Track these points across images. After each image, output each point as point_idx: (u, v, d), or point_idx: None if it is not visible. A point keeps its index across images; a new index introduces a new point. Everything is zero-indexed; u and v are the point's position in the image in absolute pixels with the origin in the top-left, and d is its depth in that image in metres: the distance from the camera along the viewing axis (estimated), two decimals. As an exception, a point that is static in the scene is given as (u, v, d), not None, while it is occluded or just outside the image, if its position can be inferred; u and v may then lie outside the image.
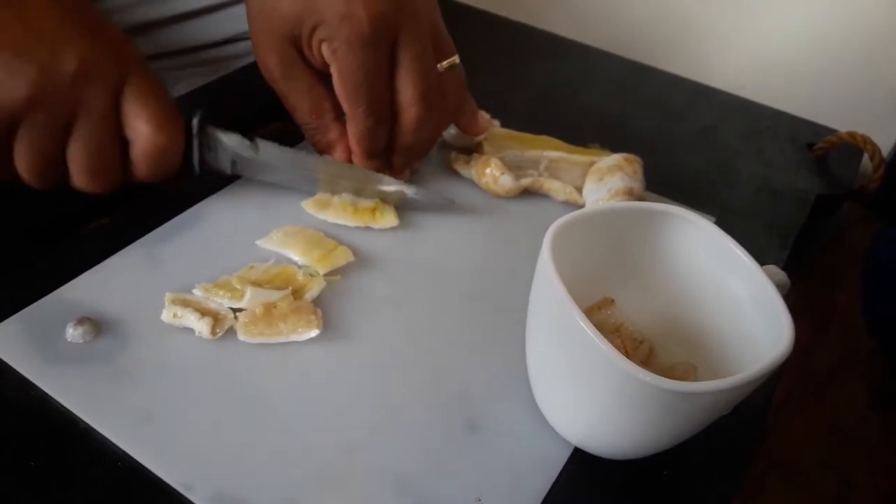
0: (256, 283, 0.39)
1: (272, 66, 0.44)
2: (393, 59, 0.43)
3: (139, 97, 0.38)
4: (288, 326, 0.38)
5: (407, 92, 0.44)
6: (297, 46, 0.44)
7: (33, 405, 0.34)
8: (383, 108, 0.44)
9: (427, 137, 0.47)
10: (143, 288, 0.39)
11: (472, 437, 0.35)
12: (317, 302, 0.40)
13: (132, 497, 0.31)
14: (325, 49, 0.42)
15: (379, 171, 0.47)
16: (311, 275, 0.41)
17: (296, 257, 0.42)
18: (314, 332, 0.38)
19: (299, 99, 0.45)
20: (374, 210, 0.45)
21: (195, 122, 0.42)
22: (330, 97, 0.45)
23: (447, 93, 0.46)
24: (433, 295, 0.42)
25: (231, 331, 0.38)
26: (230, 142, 0.44)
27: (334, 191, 0.46)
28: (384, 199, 0.46)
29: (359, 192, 0.46)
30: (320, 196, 0.46)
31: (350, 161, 0.47)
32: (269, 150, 0.45)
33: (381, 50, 0.42)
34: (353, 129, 0.45)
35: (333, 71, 0.43)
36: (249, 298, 0.38)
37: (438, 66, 0.45)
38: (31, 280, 0.39)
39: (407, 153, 0.47)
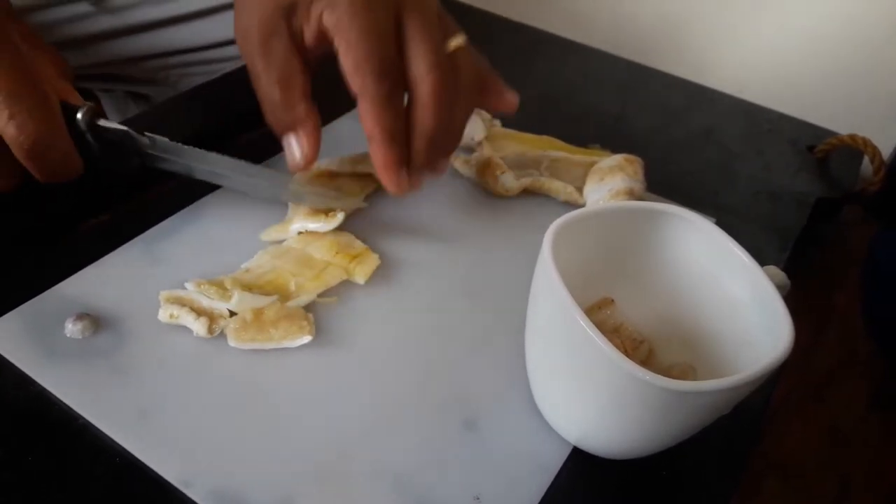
0: (248, 287, 0.39)
1: (253, 33, 0.40)
2: (400, 35, 0.40)
3: (2, 92, 0.36)
4: (279, 332, 0.37)
5: (419, 63, 0.39)
6: (287, 18, 0.40)
7: (32, 401, 0.34)
8: (396, 75, 0.40)
9: (449, 120, 0.41)
10: (142, 284, 0.39)
11: (470, 436, 0.35)
12: (310, 306, 0.40)
13: (130, 493, 0.31)
14: (327, 18, 0.39)
15: (400, 163, 0.41)
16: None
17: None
18: (306, 339, 0.37)
19: (270, 67, 0.40)
20: (354, 256, 0.42)
21: (81, 116, 0.40)
22: (303, 75, 0.41)
23: (463, 74, 0.42)
24: (432, 294, 0.42)
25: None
26: (118, 135, 0.41)
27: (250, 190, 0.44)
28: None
29: (256, 192, 0.44)
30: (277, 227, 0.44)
31: (311, 155, 0.42)
32: (165, 146, 0.42)
33: (387, 15, 0.39)
34: (368, 101, 0.39)
35: (340, 42, 0.39)
36: (237, 302, 0.37)
37: (446, 46, 0.41)
38: (30, 276, 0.39)
39: (430, 137, 0.41)
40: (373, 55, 0.39)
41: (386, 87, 0.39)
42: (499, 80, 0.46)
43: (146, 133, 0.42)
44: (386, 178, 0.41)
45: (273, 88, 0.41)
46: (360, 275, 0.41)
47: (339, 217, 0.43)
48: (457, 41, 0.42)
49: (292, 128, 0.41)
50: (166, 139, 0.42)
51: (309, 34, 0.40)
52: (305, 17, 0.40)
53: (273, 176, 0.45)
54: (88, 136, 0.40)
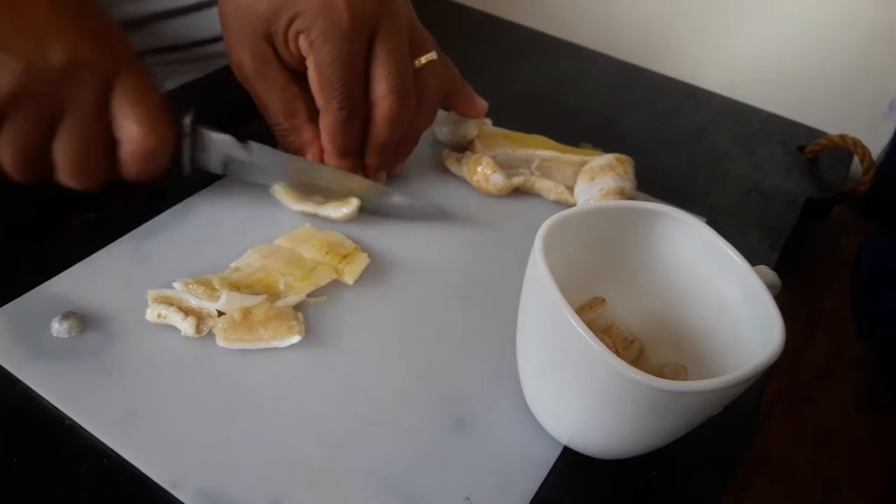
0: (237, 286, 0.39)
1: (246, 65, 0.44)
2: (369, 54, 0.43)
3: (129, 95, 0.38)
4: (269, 332, 0.37)
5: (381, 84, 0.43)
6: (272, 44, 0.43)
7: (18, 400, 0.33)
8: (357, 102, 0.44)
9: (401, 135, 0.46)
10: (129, 283, 0.39)
11: (461, 436, 0.35)
12: (300, 305, 0.39)
13: (117, 494, 0.31)
14: (302, 40, 0.42)
15: (352, 171, 0.46)
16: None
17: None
18: (295, 339, 0.37)
19: (273, 99, 0.45)
20: (344, 256, 0.42)
21: (187, 122, 0.42)
22: (304, 98, 0.45)
23: (427, 89, 0.46)
24: (423, 294, 0.42)
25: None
26: (222, 143, 0.43)
27: (315, 193, 0.46)
28: (370, 206, 0.46)
29: (338, 196, 0.46)
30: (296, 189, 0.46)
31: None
32: (262, 153, 0.44)
33: (358, 42, 0.42)
34: (326, 122, 0.44)
35: (309, 63, 0.43)
36: (225, 301, 0.37)
37: (416, 61, 0.45)
38: (16, 274, 0.39)
39: (381, 151, 0.46)
40: (339, 84, 0.42)
41: (344, 114, 0.43)
42: (468, 88, 0.50)
43: (248, 140, 0.44)
44: None
45: (279, 119, 0.45)
46: (350, 274, 0.41)
47: (354, 204, 0.44)
48: (428, 56, 0.46)
49: (302, 151, 0.46)
50: (267, 147, 0.45)
51: (293, 57, 0.43)
52: (284, 40, 0.43)
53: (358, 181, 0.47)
54: (186, 142, 0.42)
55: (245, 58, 0.44)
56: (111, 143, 0.39)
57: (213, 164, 0.44)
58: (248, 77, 0.44)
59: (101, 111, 0.37)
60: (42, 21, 0.36)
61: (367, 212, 0.46)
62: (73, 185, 0.39)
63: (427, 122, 0.48)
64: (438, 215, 0.47)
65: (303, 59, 0.43)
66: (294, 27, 0.42)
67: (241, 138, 0.44)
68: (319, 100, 0.44)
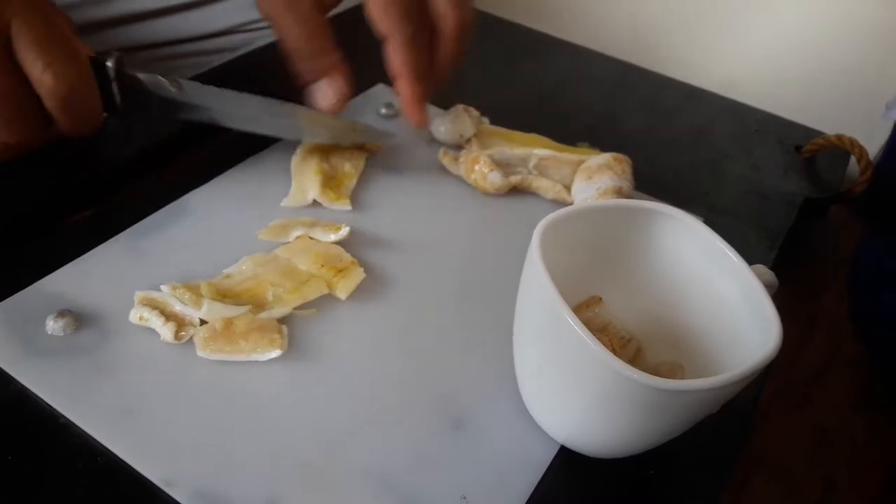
0: (224, 294, 0.38)
1: None
2: None
3: (28, 41, 0.36)
4: (249, 345, 0.36)
5: (443, 1, 0.44)
6: None
7: (12, 399, 0.33)
8: (421, 16, 0.44)
9: (466, 44, 0.47)
10: (125, 281, 0.39)
11: (457, 436, 0.35)
12: (288, 318, 0.38)
13: (112, 493, 0.31)
14: None
15: (423, 98, 0.46)
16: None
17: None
18: (276, 353, 0.36)
19: (298, 22, 0.44)
20: (339, 270, 0.41)
21: (111, 64, 0.41)
22: (329, 29, 0.45)
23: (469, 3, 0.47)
24: (419, 293, 0.42)
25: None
26: (150, 81, 0.42)
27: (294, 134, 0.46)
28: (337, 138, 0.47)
29: (297, 130, 0.46)
30: (280, 222, 0.43)
31: (348, 91, 0.46)
32: (193, 90, 0.43)
33: None
34: (397, 44, 0.44)
35: None
36: (206, 310, 0.37)
37: None
38: (11, 272, 0.38)
39: (448, 68, 0.47)
40: (402, 1, 0.43)
41: (411, 29, 0.44)
42: None
43: (175, 78, 0.43)
44: (411, 112, 0.47)
45: (305, 42, 0.45)
46: (342, 290, 0.40)
47: (344, 231, 0.43)
48: None
49: (327, 73, 0.46)
50: (196, 83, 0.44)
51: None
52: None
53: (303, 112, 0.47)
54: (114, 86, 0.41)
55: None
56: (31, 94, 0.37)
57: (148, 105, 0.43)
58: (276, 4, 0.44)
59: (4, 63, 0.36)
60: None
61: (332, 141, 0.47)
62: (9, 140, 0.38)
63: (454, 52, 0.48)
64: (385, 136, 0.49)
65: None
66: None
67: (170, 78, 0.43)
68: (384, 22, 0.44)
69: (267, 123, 0.46)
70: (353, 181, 0.48)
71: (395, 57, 0.45)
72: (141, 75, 0.42)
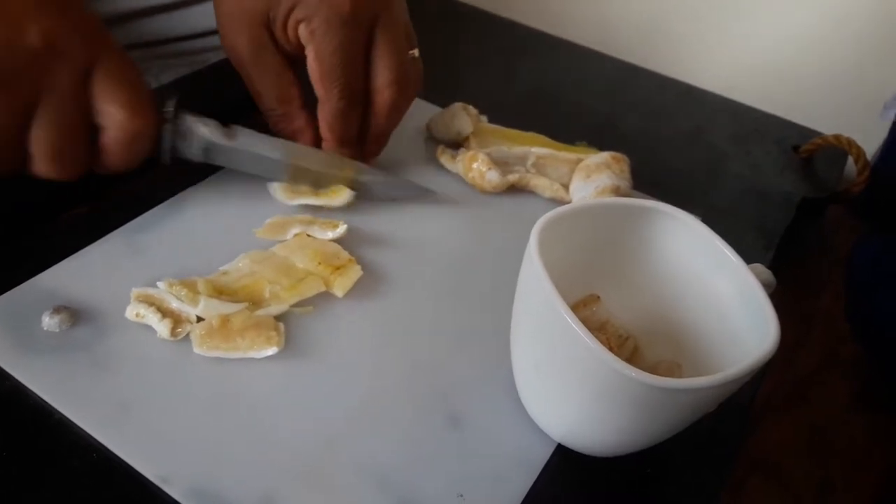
0: (221, 291, 0.38)
1: (241, 49, 0.43)
2: (368, 44, 0.43)
3: (111, 80, 0.37)
4: (246, 342, 0.36)
5: (383, 74, 0.44)
6: (270, 30, 0.43)
7: (7, 395, 0.33)
8: (357, 91, 0.44)
9: (397, 122, 0.47)
10: (121, 277, 0.39)
11: (454, 433, 0.35)
12: (285, 315, 0.38)
13: (108, 489, 0.30)
14: (302, 29, 0.42)
15: (351, 158, 0.46)
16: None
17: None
18: (272, 350, 0.36)
19: (267, 85, 0.44)
20: (337, 268, 0.41)
21: (170, 107, 0.41)
22: (298, 85, 0.45)
23: (411, 79, 0.47)
24: (416, 291, 0.42)
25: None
26: (206, 128, 0.42)
27: (304, 181, 0.45)
28: (361, 189, 0.46)
29: (329, 183, 0.45)
30: (277, 219, 0.43)
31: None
32: (245, 138, 0.44)
33: (359, 31, 0.42)
34: (326, 111, 0.44)
35: (309, 52, 0.42)
36: (203, 307, 0.36)
37: (409, 53, 0.46)
38: (7, 267, 0.38)
39: (379, 139, 0.47)
40: (340, 73, 0.43)
41: (344, 103, 0.44)
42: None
43: (233, 125, 0.43)
44: None
45: (273, 104, 0.45)
46: (339, 287, 0.40)
47: (341, 229, 0.43)
48: (415, 51, 0.47)
49: (295, 138, 0.46)
50: (254, 131, 0.44)
51: (290, 44, 0.43)
52: (283, 27, 0.43)
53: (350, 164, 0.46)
54: (167, 128, 0.41)
55: (241, 42, 0.43)
56: (89, 132, 0.38)
57: (194, 151, 0.42)
58: (243, 62, 0.44)
59: (79, 97, 0.37)
60: (19, 5, 0.35)
61: (359, 197, 0.45)
62: (47, 175, 0.38)
63: (409, 106, 0.48)
64: (427, 195, 0.48)
65: (300, 47, 0.43)
66: (295, 15, 0.42)
67: (226, 124, 0.43)
68: (320, 89, 0.44)
69: (320, 179, 0.45)
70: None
71: (323, 124, 0.45)
72: (197, 120, 0.42)
